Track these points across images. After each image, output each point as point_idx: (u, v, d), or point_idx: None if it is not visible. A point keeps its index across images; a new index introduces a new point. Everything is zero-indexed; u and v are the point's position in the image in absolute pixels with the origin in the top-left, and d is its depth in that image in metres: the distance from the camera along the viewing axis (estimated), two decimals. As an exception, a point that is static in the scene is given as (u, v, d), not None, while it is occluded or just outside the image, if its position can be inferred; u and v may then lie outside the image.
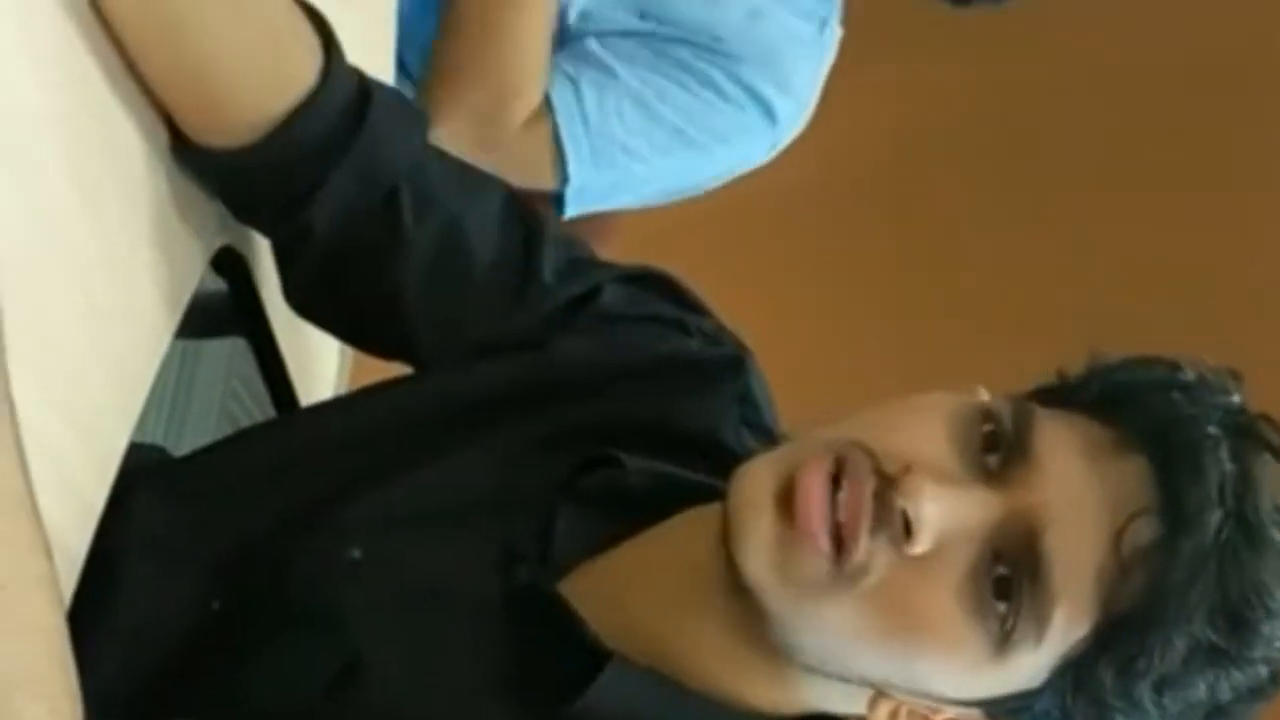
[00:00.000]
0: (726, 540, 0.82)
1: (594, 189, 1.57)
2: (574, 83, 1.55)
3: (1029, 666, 0.81)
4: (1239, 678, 0.79)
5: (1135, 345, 0.88)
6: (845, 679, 0.84)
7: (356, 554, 0.89)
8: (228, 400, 2.19)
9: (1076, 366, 0.88)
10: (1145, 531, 0.78)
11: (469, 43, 1.50)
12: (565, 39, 1.59)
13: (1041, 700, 0.82)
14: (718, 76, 1.59)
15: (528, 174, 1.53)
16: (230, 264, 1.08)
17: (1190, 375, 0.84)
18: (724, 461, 0.93)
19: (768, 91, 1.61)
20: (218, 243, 1.01)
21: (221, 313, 1.19)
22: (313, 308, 1.06)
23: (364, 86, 0.95)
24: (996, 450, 0.82)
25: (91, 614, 0.76)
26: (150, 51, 0.86)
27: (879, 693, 0.84)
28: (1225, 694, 0.80)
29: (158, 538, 0.92)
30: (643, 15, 1.60)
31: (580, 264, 1.03)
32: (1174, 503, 0.78)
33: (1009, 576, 0.79)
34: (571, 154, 1.54)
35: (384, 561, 0.89)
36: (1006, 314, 2.74)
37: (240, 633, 0.89)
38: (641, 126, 1.57)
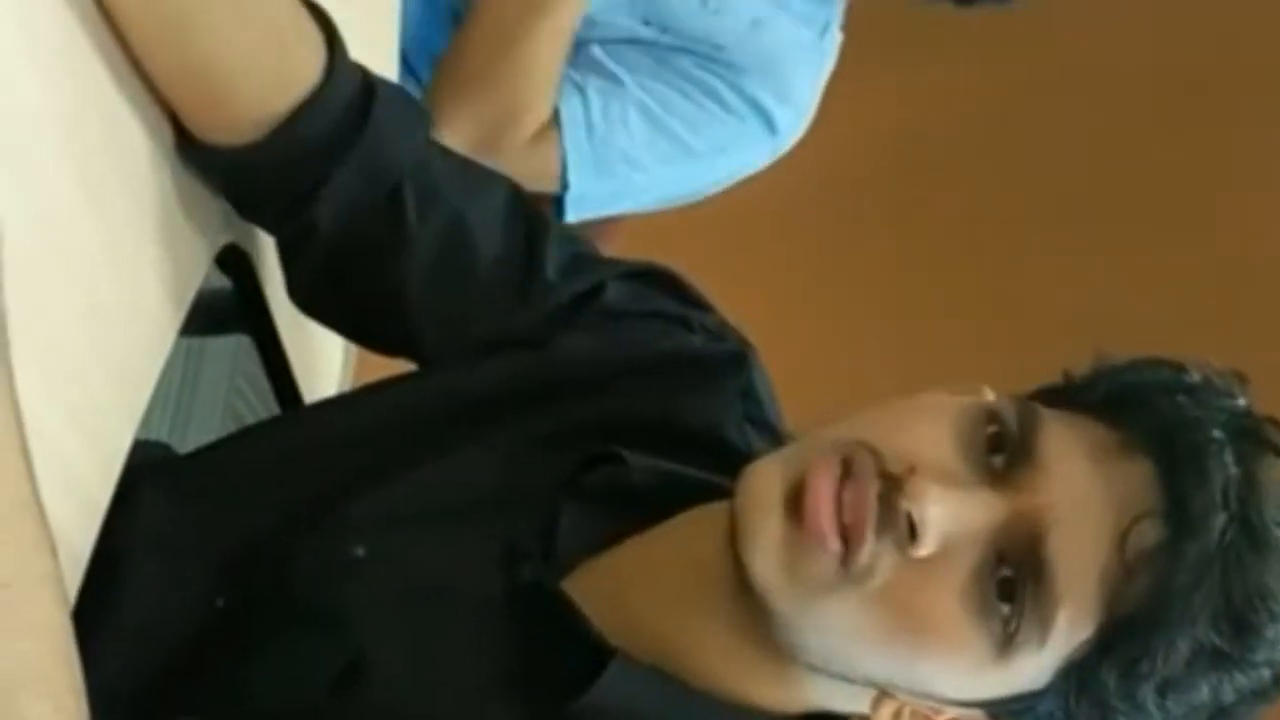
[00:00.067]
0: (734, 540, 0.82)
1: (593, 196, 1.58)
2: (581, 91, 1.55)
3: (1032, 668, 0.81)
4: (1242, 680, 0.79)
5: (1136, 346, 0.88)
6: (849, 679, 0.84)
7: (360, 552, 0.89)
8: (232, 398, 2.19)
9: (1082, 367, 0.88)
10: (1149, 534, 0.78)
11: (484, 56, 1.50)
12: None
13: (1044, 702, 0.82)
14: (719, 86, 1.60)
15: (530, 183, 1.53)
16: (235, 261, 1.08)
17: (1196, 377, 0.83)
18: (727, 458, 0.93)
19: (768, 102, 1.62)
20: (222, 240, 1.01)
21: (226, 310, 1.19)
22: (317, 305, 1.06)
23: (368, 83, 0.95)
24: (1001, 451, 0.82)
25: (96, 611, 0.77)
26: (154, 49, 0.86)
27: (882, 693, 0.84)
28: (1228, 696, 0.80)
29: (162, 535, 0.92)
30: (646, 22, 1.60)
31: (583, 260, 1.03)
32: (1179, 506, 0.78)
33: (1013, 578, 0.79)
34: (573, 162, 1.54)
35: (387, 559, 0.89)
36: (1006, 314, 2.75)
37: (244, 630, 0.89)
38: (645, 136, 1.58)
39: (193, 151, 0.92)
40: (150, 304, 0.89)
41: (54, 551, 0.64)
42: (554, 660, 0.85)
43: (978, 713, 0.84)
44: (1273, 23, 2.86)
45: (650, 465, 0.93)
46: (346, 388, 1.51)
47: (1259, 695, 0.81)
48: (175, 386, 2.07)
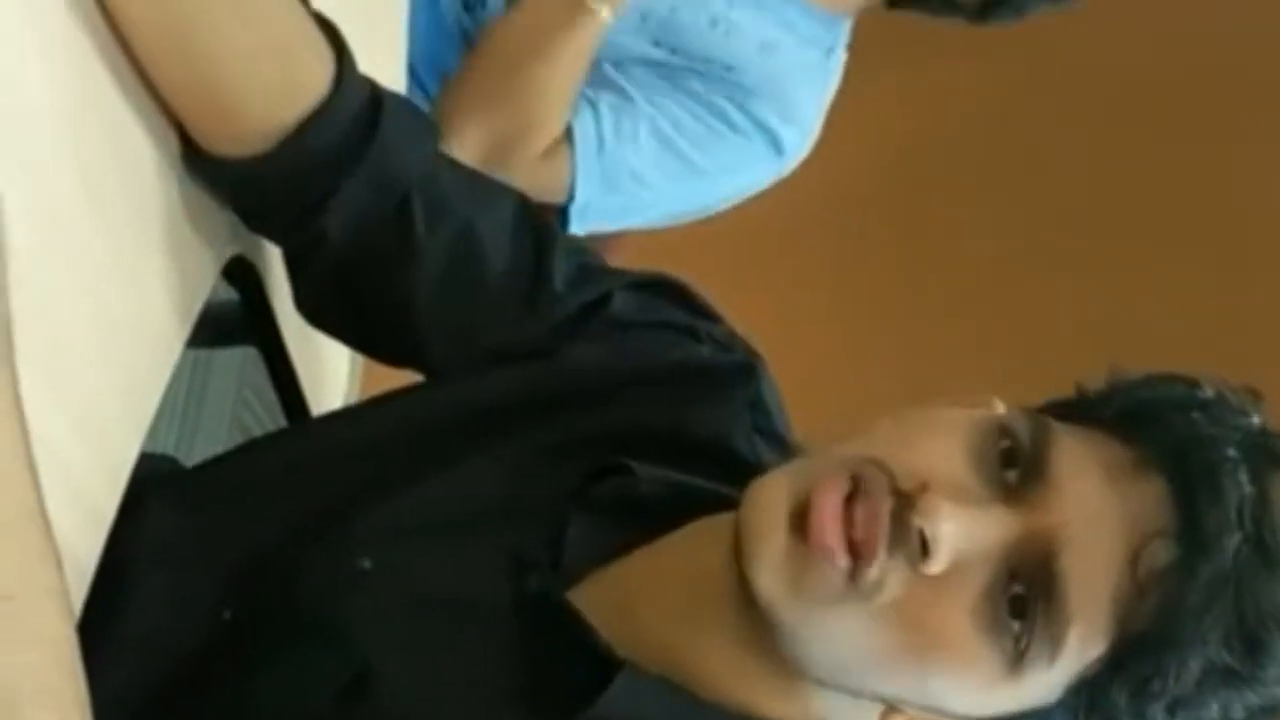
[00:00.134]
0: (738, 554, 0.82)
1: (598, 209, 1.58)
2: (594, 106, 1.55)
3: (1042, 685, 0.80)
4: (1252, 698, 0.79)
5: (1141, 354, 0.88)
6: (857, 693, 0.83)
7: (366, 564, 0.89)
8: (239, 410, 2.19)
9: (1092, 379, 0.88)
10: (1162, 553, 0.78)
11: (503, 71, 1.50)
12: None
13: (1054, 718, 0.81)
14: (728, 107, 1.60)
15: (538, 195, 1.53)
16: (242, 273, 1.08)
17: (1210, 393, 0.83)
18: (736, 468, 0.93)
19: (775, 123, 1.62)
20: (229, 252, 1.01)
21: (233, 322, 1.20)
22: (324, 316, 1.06)
23: (376, 95, 0.95)
24: (1014, 466, 0.81)
25: (102, 623, 0.76)
26: (162, 60, 0.86)
27: (890, 708, 0.84)
28: (1238, 714, 0.79)
29: (169, 547, 0.92)
30: (656, 43, 1.61)
31: (591, 271, 1.03)
32: (1192, 526, 0.77)
33: (1024, 595, 0.79)
34: (582, 175, 1.54)
35: (394, 571, 0.89)
36: (1013, 324, 2.75)
37: (251, 642, 0.88)
38: (654, 153, 1.58)
39: (200, 163, 0.92)
40: (157, 315, 0.89)
41: (59, 563, 0.64)
42: (562, 671, 0.85)
43: (986, 729, 0.84)
44: (1275, 29, 2.86)
45: (658, 476, 0.92)
46: (353, 400, 1.51)
47: (1268, 712, 0.80)
48: (182, 398, 2.07)
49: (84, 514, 0.78)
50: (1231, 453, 0.79)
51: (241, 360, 2.14)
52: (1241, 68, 2.84)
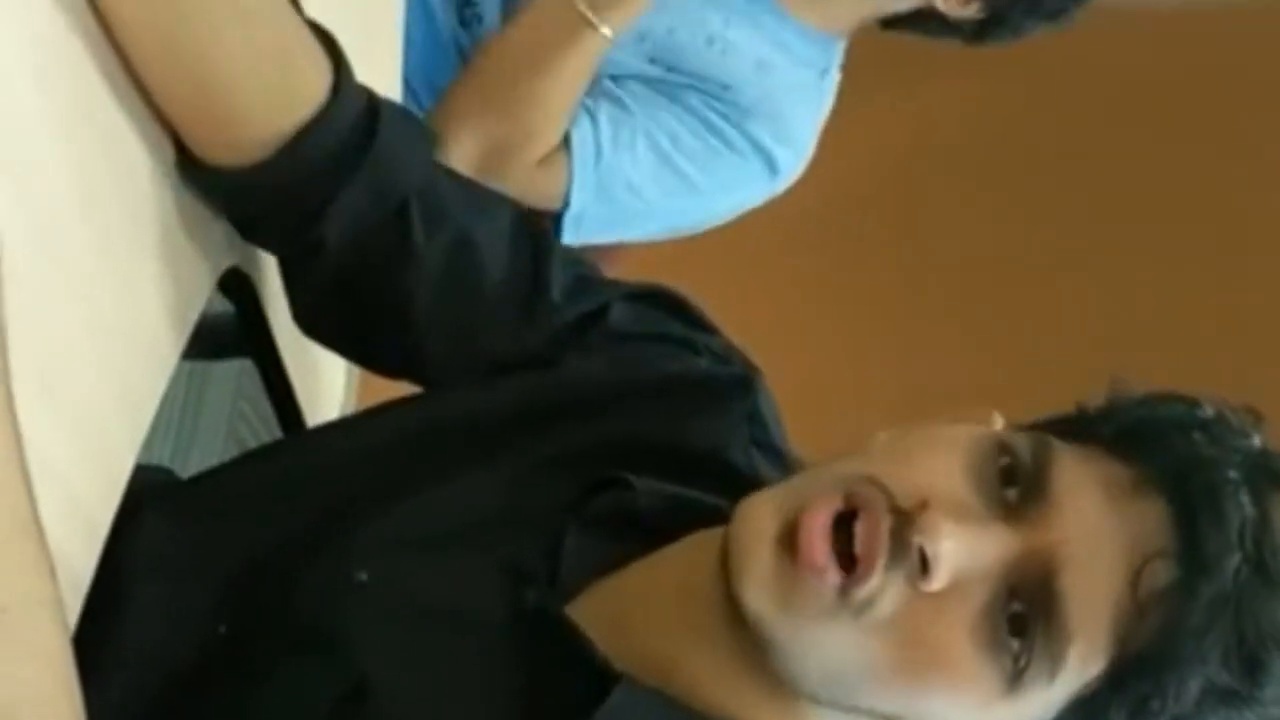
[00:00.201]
0: (726, 572, 0.82)
1: (592, 219, 1.58)
2: (593, 116, 1.55)
3: (1041, 703, 0.80)
4: (1250, 717, 0.79)
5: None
6: (851, 710, 0.83)
7: (363, 576, 0.89)
8: (235, 422, 2.19)
9: (1094, 398, 0.87)
10: (1163, 574, 0.78)
11: (505, 79, 1.49)
12: None
13: None
14: (724, 126, 1.60)
15: (530, 200, 1.53)
16: (237, 285, 1.08)
17: (1209, 413, 0.83)
18: (733, 481, 0.93)
19: (770, 144, 1.63)
20: (225, 263, 1.01)
21: (229, 334, 1.19)
22: (322, 326, 1.06)
23: (373, 103, 0.95)
24: (1013, 484, 0.81)
25: (98, 635, 0.76)
26: (160, 67, 0.86)
27: None
28: None
29: (164, 558, 0.92)
30: (652, 60, 1.61)
31: (588, 282, 1.03)
32: (1193, 547, 0.77)
33: (1024, 614, 0.79)
34: (577, 184, 1.54)
35: (390, 583, 0.89)
36: (1012, 332, 2.75)
37: (247, 654, 0.88)
38: (651, 167, 1.58)
39: (196, 172, 0.92)
40: (152, 327, 0.89)
41: (54, 575, 0.64)
42: (559, 685, 0.85)
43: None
44: (1274, 38, 2.87)
45: (655, 489, 0.92)
46: (349, 412, 1.51)
47: None
48: (178, 410, 2.07)
49: (79, 526, 0.78)
50: (1233, 474, 0.79)
51: (237, 372, 2.14)
52: (1237, 73, 2.85)
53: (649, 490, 0.92)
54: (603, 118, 1.56)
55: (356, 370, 1.39)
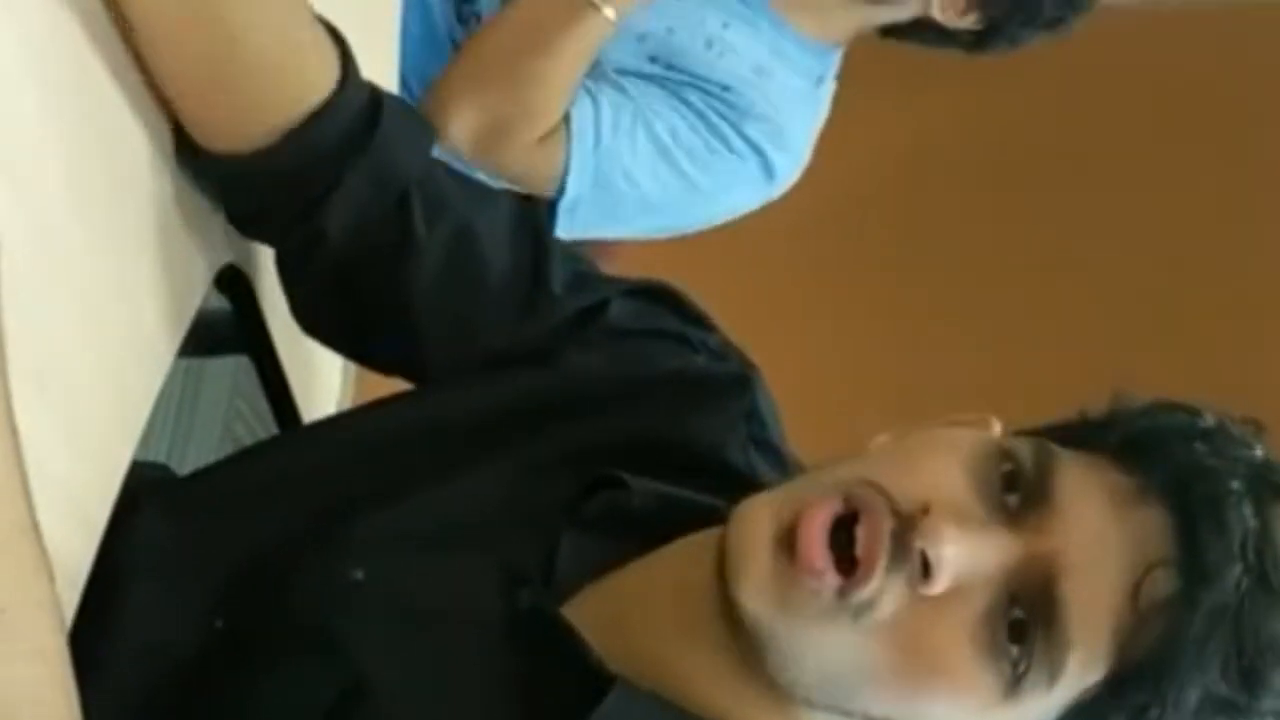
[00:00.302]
0: (723, 575, 0.82)
1: (587, 207, 1.57)
2: (594, 99, 1.55)
3: (1039, 710, 0.80)
4: None
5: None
6: (847, 713, 0.83)
7: (359, 575, 0.89)
8: (231, 419, 2.19)
9: (1096, 405, 0.87)
10: (1164, 583, 0.78)
11: (507, 55, 1.49)
12: None
13: None
14: (723, 126, 1.60)
15: (527, 180, 1.54)
16: (233, 282, 1.08)
17: (1211, 422, 0.83)
18: (730, 480, 0.93)
19: (768, 148, 1.63)
20: (222, 260, 1.01)
21: (224, 331, 1.19)
22: (321, 321, 1.06)
23: (375, 95, 0.96)
24: (1014, 489, 0.81)
25: (95, 632, 0.76)
26: (178, 51, 0.86)
27: None
28: None
29: (162, 554, 0.92)
30: (652, 59, 1.61)
31: (587, 278, 1.03)
32: (1195, 557, 0.78)
33: (1024, 620, 0.79)
34: (575, 168, 1.54)
35: (386, 582, 0.89)
36: (1012, 333, 2.75)
37: (244, 652, 0.88)
38: (649, 158, 1.58)
39: (199, 161, 0.92)
40: (149, 324, 0.89)
41: (50, 576, 0.64)
42: (554, 686, 0.84)
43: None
44: (1274, 38, 2.87)
45: (651, 490, 0.92)
46: (345, 409, 1.51)
47: None
48: (174, 407, 2.07)
49: (76, 522, 0.77)
50: (1235, 485, 0.79)
51: (233, 369, 2.14)
52: (1238, 74, 2.85)
53: (644, 490, 0.91)
54: (604, 101, 1.55)
55: (353, 367, 1.39)
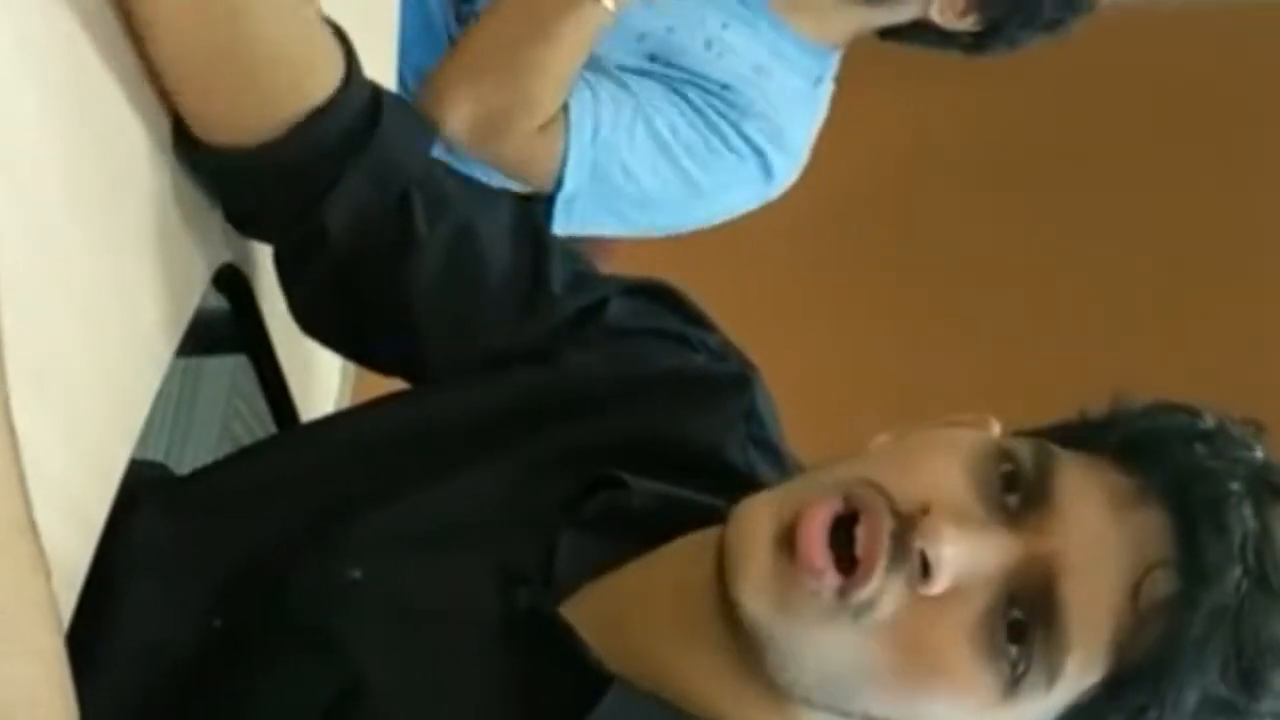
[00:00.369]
0: (722, 575, 0.82)
1: (585, 201, 1.57)
2: (593, 90, 1.55)
3: (1037, 711, 0.80)
4: None
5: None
6: (846, 714, 0.83)
7: (357, 574, 0.89)
8: (230, 419, 2.19)
9: (1096, 406, 0.87)
10: (1163, 584, 0.78)
11: (506, 44, 1.49)
12: None
13: None
14: (723, 125, 1.61)
15: (525, 171, 1.53)
16: (231, 281, 1.08)
17: (1211, 424, 0.83)
18: (730, 480, 0.93)
19: (767, 148, 1.63)
20: (220, 259, 1.01)
21: (223, 330, 1.19)
22: (320, 320, 1.05)
23: (376, 93, 0.96)
24: (1014, 490, 0.81)
25: (93, 631, 0.76)
26: (200, 31, 0.86)
27: None
28: None
29: (159, 554, 0.91)
30: (652, 58, 1.61)
31: (586, 278, 1.03)
32: (1195, 558, 0.78)
33: (1023, 621, 0.79)
34: (573, 159, 1.53)
35: (384, 582, 0.89)
36: (1011, 333, 2.75)
37: (242, 651, 0.88)
38: (648, 153, 1.57)
39: (198, 154, 0.92)
40: (147, 323, 0.89)
41: (48, 575, 0.63)
42: (552, 686, 0.84)
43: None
44: (1274, 38, 2.87)
45: (650, 489, 0.92)
46: (343, 408, 1.51)
47: None
48: (172, 406, 2.06)
49: (74, 522, 0.77)
50: (1235, 486, 0.79)
51: (231, 369, 2.14)
52: (1238, 73, 2.85)
53: (643, 490, 0.91)
54: (604, 94, 1.55)
55: (351, 367, 1.39)
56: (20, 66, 0.74)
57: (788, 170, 1.67)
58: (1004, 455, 0.82)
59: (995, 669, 0.79)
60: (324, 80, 0.92)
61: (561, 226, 1.57)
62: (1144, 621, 0.77)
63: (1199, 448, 0.81)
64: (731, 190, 1.66)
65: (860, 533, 0.79)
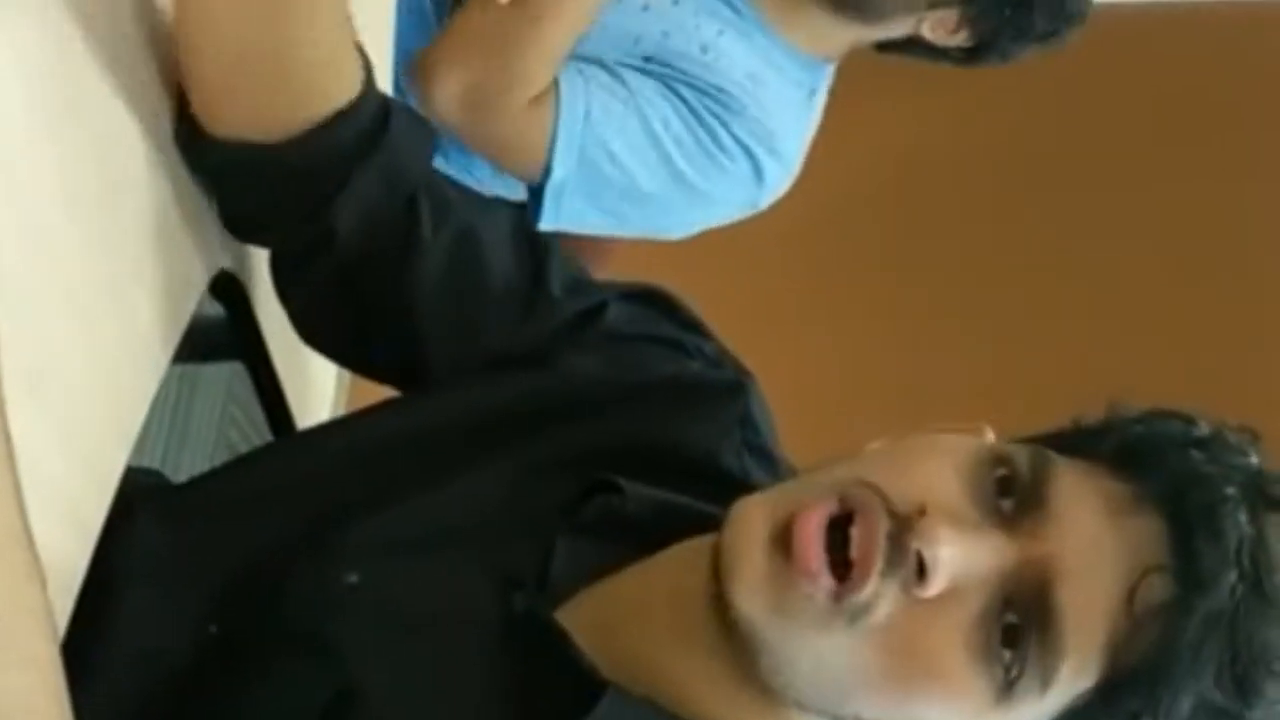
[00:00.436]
0: (718, 576, 0.82)
1: (574, 191, 1.56)
2: (585, 77, 1.54)
3: (1031, 716, 0.80)
4: None
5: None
6: (839, 717, 0.83)
7: (354, 579, 0.89)
8: (226, 426, 2.19)
9: (1092, 412, 0.87)
10: (1159, 590, 0.78)
11: (499, 21, 1.48)
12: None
13: None
14: (716, 125, 1.60)
15: (514, 151, 1.53)
16: (227, 288, 1.08)
17: (1206, 430, 0.84)
18: (724, 485, 0.92)
19: (760, 152, 1.62)
20: (217, 264, 1.01)
21: (219, 337, 1.19)
22: (320, 324, 1.05)
23: (384, 100, 0.97)
24: (1009, 495, 0.81)
25: (89, 638, 0.76)
26: (237, 31, 0.87)
27: None
28: None
29: (156, 560, 0.91)
30: (647, 59, 1.60)
31: (583, 282, 1.04)
32: (1190, 564, 0.78)
33: (1018, 625, 0.79)
34: (562, 145, 1.53)
35: (381, 587, 0.89)
36: (1008, 336, 2.75)
37: (238, 657, 0.88)
38: (638, 142, 1.57)
39: (203, 145, 0.92)
40: (143, 329, 0.89)
41: (44, 583, 0.63)
42: (548, 692, 0.84)
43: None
44: (1274, 38, 2.87)
45: (646, 495, 0.92)
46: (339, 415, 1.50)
47: None
48: (168, 413, 2.06)
49: (70, 528, 0.77)
50: (1230, 492, 0.79)
51: (228, 376, 2.13)
52: (1238, 74, 2.85)
53: (638, 496, 0.91)
54: (596, 82, 1.54)
55: (347, 374, 1.39)
56: (16, 67, 0.74)
57: (779, 177, 1.67)
58: (999, 460, 0.82)
59: (989, 673, 0.78)
60: (348, 83, 0.93)
61: (550, 221, 1.56)
62: (1139, 627, 0.77)
63: (1195, 454, 0.81)
64: (721, 190, 1.65)
65: (856, 533, 0.79)
